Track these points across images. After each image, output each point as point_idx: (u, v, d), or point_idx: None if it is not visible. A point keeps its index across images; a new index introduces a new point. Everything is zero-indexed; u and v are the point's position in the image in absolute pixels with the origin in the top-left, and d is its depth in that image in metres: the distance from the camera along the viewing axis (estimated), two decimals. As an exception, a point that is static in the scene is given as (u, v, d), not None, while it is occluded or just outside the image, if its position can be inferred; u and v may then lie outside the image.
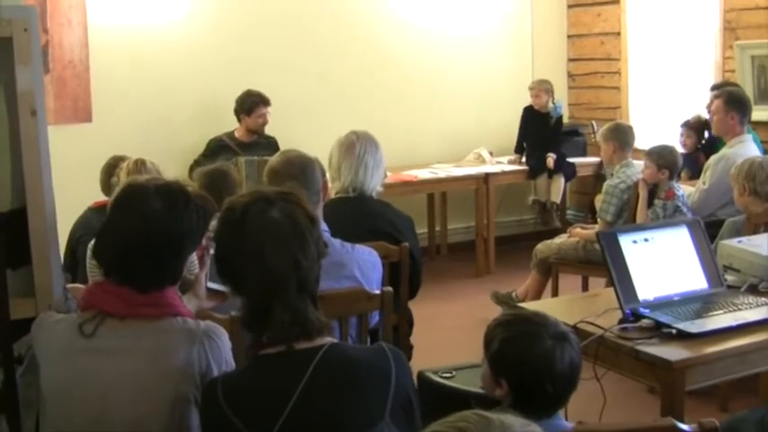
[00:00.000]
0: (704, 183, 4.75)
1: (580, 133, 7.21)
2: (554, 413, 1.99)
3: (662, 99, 6.91)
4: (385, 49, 6.86)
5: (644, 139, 5.91)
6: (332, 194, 3.35)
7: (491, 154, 6.93)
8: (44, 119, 2.13)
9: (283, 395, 1.74)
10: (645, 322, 2.70)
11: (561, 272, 5.18)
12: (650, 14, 6.93)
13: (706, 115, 5.58)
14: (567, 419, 2.08)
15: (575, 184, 7.34)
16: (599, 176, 6.73)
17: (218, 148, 6.01)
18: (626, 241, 2.86)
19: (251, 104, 6.03)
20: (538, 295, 5.22)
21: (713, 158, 4.83)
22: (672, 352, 2.55)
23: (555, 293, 5.11)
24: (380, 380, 1.79)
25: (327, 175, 3.11)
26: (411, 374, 1.92)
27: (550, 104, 6.69)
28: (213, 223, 1.98)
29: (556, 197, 6.79)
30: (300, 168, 2.87)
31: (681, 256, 2.97)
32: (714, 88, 5.54)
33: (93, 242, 2.44)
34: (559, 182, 6.74)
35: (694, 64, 6.59)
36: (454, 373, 2.97)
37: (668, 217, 4.50)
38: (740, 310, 2.81)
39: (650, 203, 4.66)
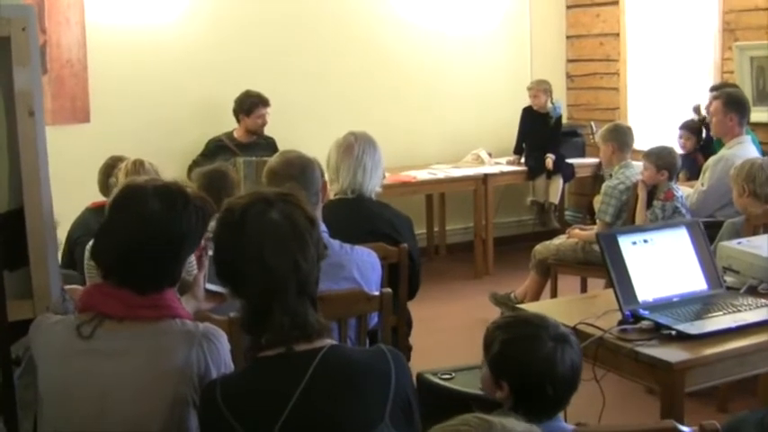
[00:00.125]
0: (703, 184, 4.75)
1: (579, 134, 7.21)
2: (555, 415, 1.99)
3: (661, 100, 6.91)
4: (384, 50, 6.86)
5: (643, 141, 5.91)
6: (330, 196, 3.34)
7: (490, 155, 6.92)
8: (42, 119, 2.12)
9: (282, 397, 1.73)
10: (644, 324, 2.70)
11: (560, 273, 5.18)
12: (649, 15, 6.93)
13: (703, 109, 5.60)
14: (566, 421, 2.08)
15: (573, 184, 7.34)
16: (598, 177, 6.73)
17: (216, 148, 6.01)
18: (625, 242, 2.86)
19: (250, 105, 6.02)
20: (536, 296, 5.21)
21: (712, 160, 4.83)
22: (671, 353, 2.55)
23: (554, 294, 5.11)
24: (380, 382, 1.79)
25: (326, 176, 3.10)
26: (411, 376, 1.91)
27: (549, 105, 6.69)
28: (212, 224, 1.97)
29: (554, 198, 6.79)
30: (300, 169, 2.87)
31: (680, 257, 2.97)
32: (713, 89, 5.54)
33: (91, 243, 2.43)
34: (558, 183, 6.73)
35: (693, 65, 6.59)
36: (454, 374, 2.97)
37: (667, 218, 4.50)
38: (740, 311, 2.81)
39: (649, 204, 4.66)
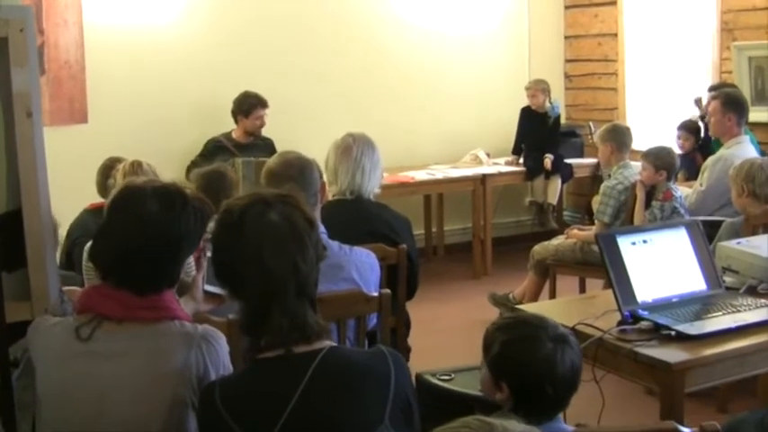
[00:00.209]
0: (701, 184, 4.75)
1: (577, 134, 7.20)
2: (555, 416, 1.99)
3: (659, 100, 6.91)
4: (383, 50, 6.85)
5: (641, 141, 5.91)
6: (329, 197, 3.34)
7: (488, 155, 6.92)
8: (40, 120, 2.11)
9: (282, 399, 1.73)
10: (644, 324, 2.69)
11: (558, 273, 5.17)
12: (647, 15, 6.93)
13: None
14: (565, 422, 2.08)
15: (571, 185, 7.34)
16: (596, 178, 6.73)
17: (215, 148, 6.00)
18: (624, 243, 2.86)
19: (249, 106, 6.01)
20: (535, 297, 5.21)
21: (710, 160, 4.83)
22: (671, 354, 2.55)
23: (552, 295, 5.11)
24: (380, 383, 1.78)
25: (324, 177, 3.10)
26: (410, 377, 1.91)
27: (547, 104, 6.68)
28: (211, 225, 1.97)
29: (553, 198, 6.79)
30: (299, 170, 2.87)
31: (679, 257, 2.96)
32: (711, 89, 5.54)
33: (89, 244, 2.43)
34: (556, 183, 6.73)
35: (691, 65, 6.59)
36: (453, 375, 2.96)
37: (666, 218, 4.50)
38: (739, 311, 2.80)
39: (648, 205, 4.66)
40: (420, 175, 6.50)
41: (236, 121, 6.09)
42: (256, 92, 6.03)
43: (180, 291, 2.11)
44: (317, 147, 3.46)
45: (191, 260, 2.18)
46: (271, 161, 3.02)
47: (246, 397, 1.76)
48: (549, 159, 6.60)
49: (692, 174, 5.37)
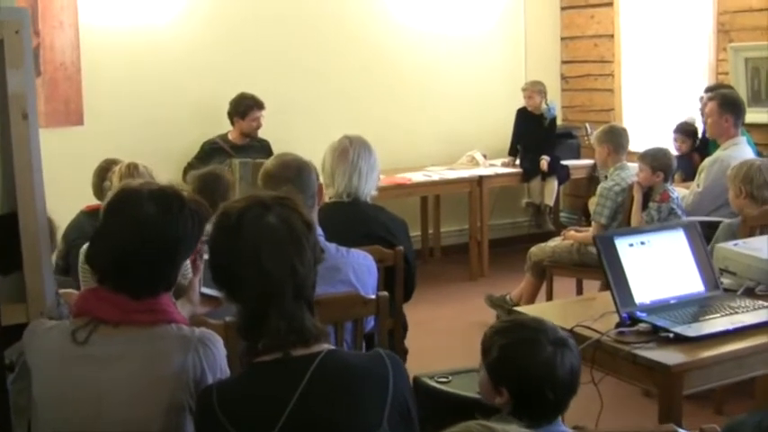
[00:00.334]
0: (698, 185, 4.75)
1: (574, 135, 7.20)
2: (554, 419, 1.98)
3: (655, 101, 6.91)
4: (380, 50, 6.85)
5: (638, 142, 5.90)
6: (326, 199, 3.33)
7: (484, 156, 6.92)
8: (35, 122, 2.11)
9: (279, 402, 1.72)
10: (642, 326, 2.69)
11: (555, 275, 5.17)
12: (644, 17, 6.93)
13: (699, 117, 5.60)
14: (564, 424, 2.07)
15: (568, 186, 7.34)
16: (593, 179, 6.74)
17: (211, 150, 5.99)
18: (622, 244, 2.85)
19: (245, 108, 6.00)
20: (532, 298, 5.21)
21: (707, 161, 4.83)
22: (669, 356, 2.54)
23: (549, 297, 5.10)
24: (378, 386, 1.77)
25: (321, 179, 3.09)
26: (409, 380, 1.91)
27: (544, 106, 6.69)
28: (208, 228, 1.96)
29: (549, 200, 6.79)
30: (296, 172, 2.86)
31: (677, 259, 2.96)
32: (708, 90, 5.54)
33: (85, 247, 2.41)
34: (553, 184, 6.73)
35: (688, 66, 6.59)
36: (450, 377, 2.95)
37: (663, 219, 4.49)
38: (737, 313, 2.80)
39: (645, 206, 4.66)
40: (417, 177, 6.49)
41: (233, 123, 6.08)
42: (253, 93, 6.02)
43: (177, 294, 2.10)
44: (315, 147, 3.45)
45: (187, 263, 2.17)
46: (268, 163, 3.01)
47: (244, 401, 1.75)
48: (545, 161, 6.60)
49: (689, 174, 5.37)
